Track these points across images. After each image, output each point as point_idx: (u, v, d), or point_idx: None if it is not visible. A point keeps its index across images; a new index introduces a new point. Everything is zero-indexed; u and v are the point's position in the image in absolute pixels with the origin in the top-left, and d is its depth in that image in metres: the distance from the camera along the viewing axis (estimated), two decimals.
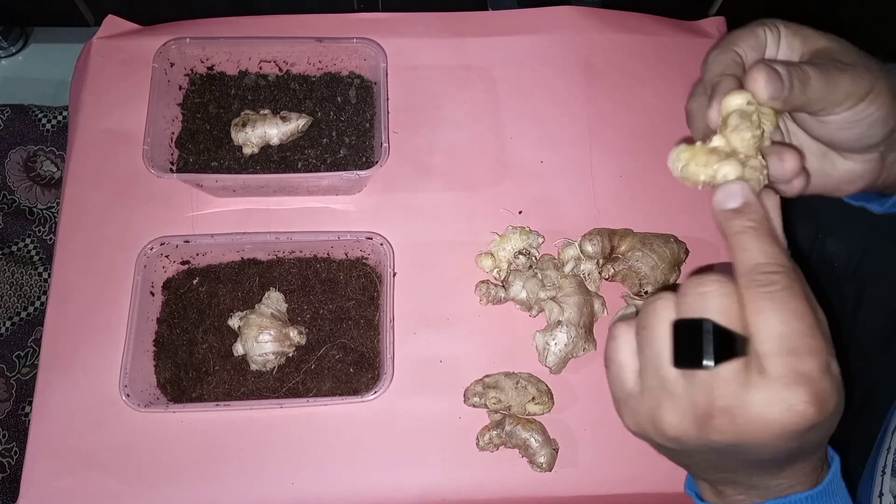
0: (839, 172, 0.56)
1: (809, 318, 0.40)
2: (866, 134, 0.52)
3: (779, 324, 0.40)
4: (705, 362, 0.40)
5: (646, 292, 0.78)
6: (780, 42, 0.53)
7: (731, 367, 0.40)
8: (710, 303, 0.41)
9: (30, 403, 1.18)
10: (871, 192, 0.60)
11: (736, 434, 0.40)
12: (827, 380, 0.40)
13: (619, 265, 0.78)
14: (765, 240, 0.43)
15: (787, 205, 0.77)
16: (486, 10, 0.96)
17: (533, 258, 0.78)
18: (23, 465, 0.71)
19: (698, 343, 0.40)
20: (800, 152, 0.51)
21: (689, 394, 0.41)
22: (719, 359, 0.40)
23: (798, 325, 0.40)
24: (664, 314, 0.43)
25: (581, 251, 0.78)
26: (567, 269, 0.78)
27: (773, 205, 0.47)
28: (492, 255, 0.79)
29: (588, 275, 0.78)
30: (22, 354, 1.25)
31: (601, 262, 0.78)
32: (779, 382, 0.39)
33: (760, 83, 0.47)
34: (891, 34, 1.40)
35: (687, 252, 0.80)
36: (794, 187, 0.51)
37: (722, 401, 0.40)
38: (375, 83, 0.84)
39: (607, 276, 0.78)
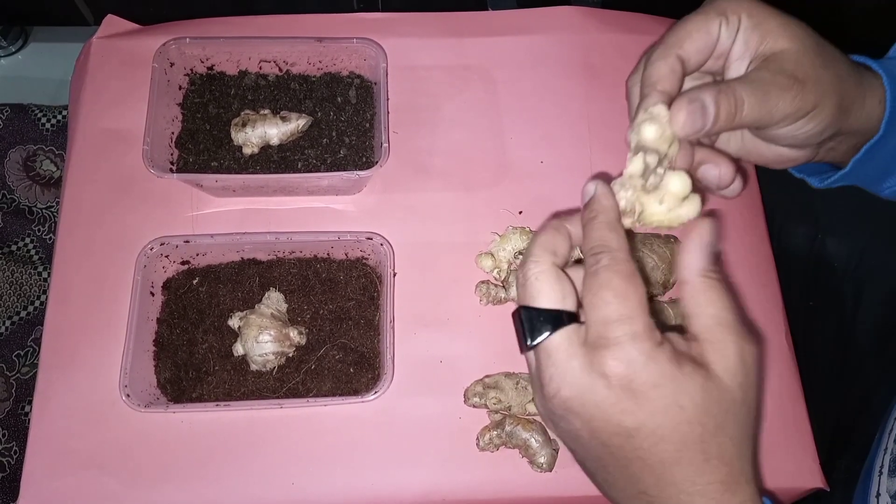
0: (770, 153, 0.57)
1: (622, 290, 0.43)
2: (802, 141, 0.54)
3: (595, 297, 0.43)
4: (528, 343, 0.45)
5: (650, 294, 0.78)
6: (736, 38, 0.52)
7: (557, 342, 0.44)
8: (530, 288, 0.46)
9: (30, 402, 1.18)
10: (811, 167, 0.61)
11: (565, 406, 0.43)
12: (635, 345, 0.42)
13: None
14: (601, 227, 0.47)
15: (788, 205, 0.77)
16: (486, 10, 0.96)
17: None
18: (23, 465, 0.71)
19: (523, 329, 0.45)
20: (733, 160, 0.52)
21: (537, 371, 0.46)
22: (535, 337, 0.44)
23: (610, 297, 0.43)
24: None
25: (581, 253, 0.78)
26: None
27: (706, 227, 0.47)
28: (492, 255, 0.79)
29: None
30: (22, 354, 1.25)
31: None
32: (590, 349, 0.43)
33: (679, 120, 0.48)
34: (890, 30, 1.40)
35: None
36: (733, 191, 0.53)
37: (550, 369, 0.44)
38: (375, 83, 0.84)
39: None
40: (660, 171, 0.49)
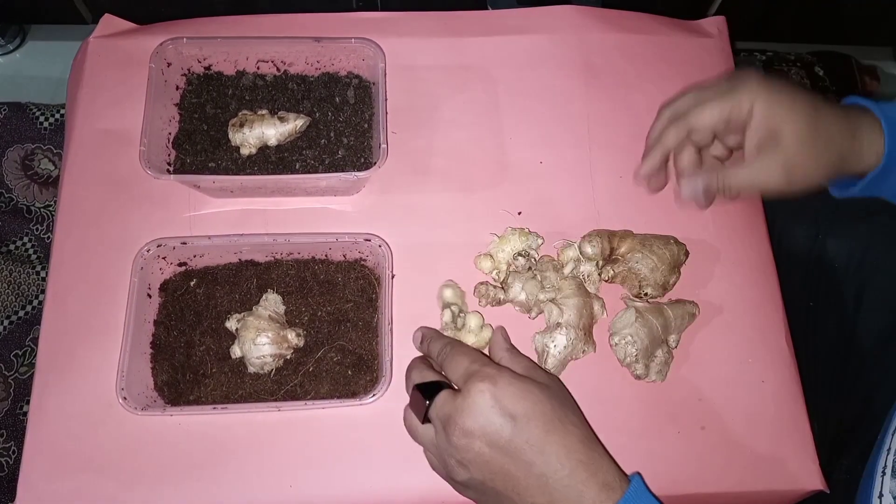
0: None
1: (463, 354, 0.66)
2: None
3: (450, 365, 0.65)
4: (426, 403, 0.63)
5: (646, 294, 0.77)
6: (749, 123, 0.68)
7: (440, 398, 0.63)
8: (414, 375, 0.68)
9: (28, 402, 1.18)
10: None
11: (461, 425, 0.60)
12: (485, 369, 0.62)
13: (619, 267, 0.77)
14: (435, 341, 0.70)
15: (788, 205, 0.77)
16: (486, 9, 0.96)
17: (532, 260, 0.78)
18: (20, 467, 0.71)
19: (419, 399, 0.64)
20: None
21: (436, 426, 0.64)
22: (433, 395, 0.63)
23: (458, 360, 0.65)
24: (411, 421, 0.68)
25: (580, 253, 0.78)
26: (567, 270, 0.77)
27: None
28: (491, 256, 0.78)
29: (587, 276, 0.78)
30: (20, 353, 1.24)
31: (601, 263, 0.78)
32: (465, 386, 0.61)
33: (684, 194, 0.75)
34: (889, 28, 1.40)
35: (687, 254, 0.79)
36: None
37: (445, 413, 0.61)
38: (374, 83, 0.83)
39: (607, 278, 0.78)
40: (461, 315, 0.75)
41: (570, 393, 0.67)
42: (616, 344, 0.73)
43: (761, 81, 0.67)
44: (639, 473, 0.62)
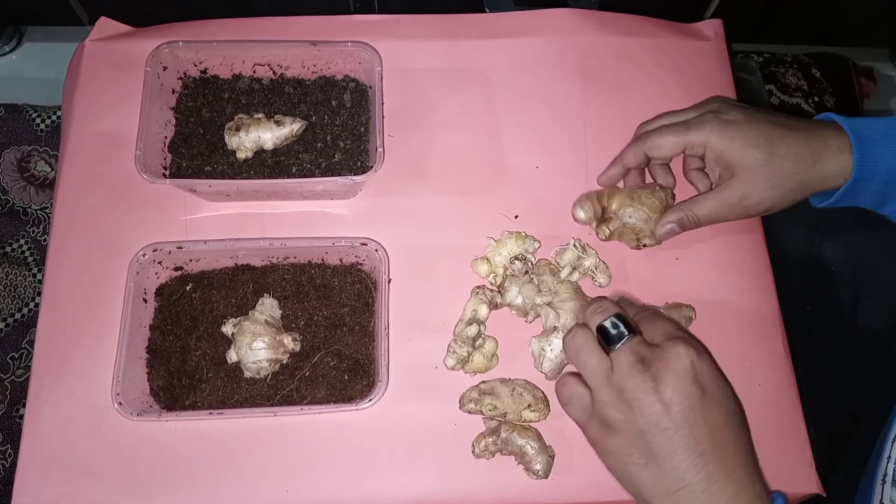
0: None
1: (669, 322, 0.64)
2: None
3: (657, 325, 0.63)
4: (627, 333, 0.61)
5: (644, 245, 0.79)
6: (706, 158, 0.76)
7: (638, 338, 0.61)
8: (608, 305, 0.64)
9: (24, 406, 1.18)
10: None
11: (659, 375, 0.58)
12: (688, 336, 0.61)
13: (614, 224, 0.79)
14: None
15: (784, 210, 0.78)
16: (483, 12, 0.95)
17: (529, 263, 0.78)
18: (15, 471, 0.71)
19: (616, 329, 0.61)
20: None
21: (625, 363, 0.59)
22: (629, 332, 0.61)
23: (667, 324, 0.63)
24: (583, 341, 0.63)
25: (575, 219, 0.80)
26: (563, 274, 0.77)
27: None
28: (488, 260, 0.78)
29: (595, 268, 0.78)
30: (16, 356, 1.24)
31: (596, 225, 0.80)
32: (666, 342, 0.60)
33: (659, 231, 0.78)
34: (890, 25, 1.40)
35: (674, 196, 0.81)
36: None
37: (642, 353, 0.59)
38: (370, 87, 0.83)
39: (604, 237, 0.79)
40: (482, 337, 0.75)
41: None
42: None
43: (718, 118, 0.73)
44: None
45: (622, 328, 0.61)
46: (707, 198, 0.74)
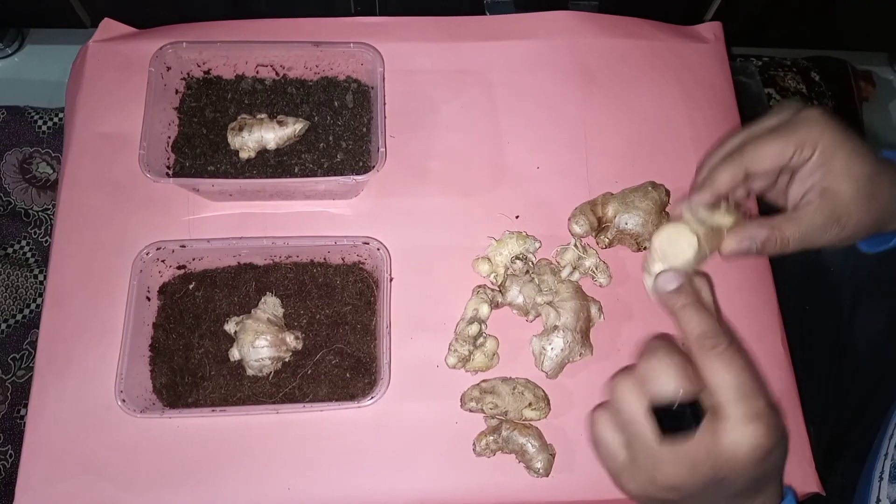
0: None
1: (751, 367, 0.50)
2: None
3: (730, 377, 0.49)
4: (689, 430, 0.50)
5: (645, 248, 0.80)
6: (804, 167, 0.60)
7: (703, 425, 0.49)
8: (672, 374, 0.50)
9: (25, 406, 1.18)
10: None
11: (720, 471, 0.50)
12: (773, 413, 0.49)
13: (611, 232, 0.80)
14: (702, 312, 0.53)
15: (783, 212, 0.78)
16: (484, 14, 0.96)
17: (530, 263, 0.78)
18: (18, 469, 0.71)
19: (677, 418, 0.50)
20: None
21: (678, 454, 0.50)
22: (695, 423, 0.50)
23: (744, 376, 0.49)
24: (633, 396, 0.51)
25: (571, 234, 0.80)
26: (564, 273, 0.78)
27: (704, 283, 0.57)
28: (489, 259, 0.79)
29: (596, 268, 0.78)
30: (17, 357, 1.24)
31: (594, 235, 0.81)
32: (740, 424, 0.48)
33: (730, 246, 0.60)
34: (889, 30, 1.40)
35: (668, 192, 0.81)
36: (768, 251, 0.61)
37: (704, 451, 0.49)
38: (372, 87, 0.84)
39: (604, 247, 0.80)
40: (483, 336, 0.75)
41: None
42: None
43: (827, 121, 0.60)
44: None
45: (689, 418, 0.50)
46: (802, 215, 0.60)
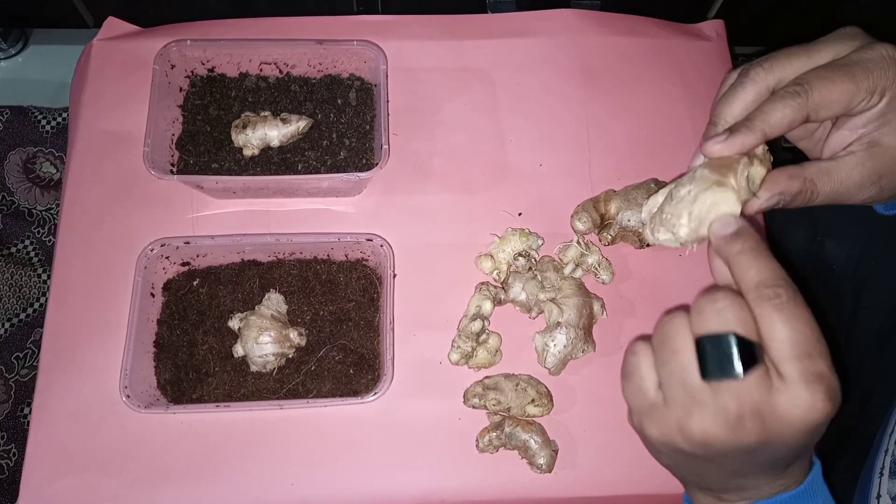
0: None
1: (814, 324, 0.44)
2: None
3: (790, 332, 0.43)
4: (736, 372, 0.43)
5: (647, 245, 0.80)
6: (860, 117, 0.53)
7: (755, 374, 0.43)
8: (729, 317, 0.44)
9: (28, 405, 1.18)
10: None
11: (765, 434, 0.44)
12: (836, 376, 0.44)
13: (613, 230, 0.80)
14: (763, 258, 0.46)
15: (786, 208, 0.78)
16: (486, 12, 0.96)
17: (533, 260, 0.78)
18: (22, 467, 0.71)
19: (725, 355, 0.44)
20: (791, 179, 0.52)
21: (719, 401, 0.44)
22: (745, 368, 0.43)
23: (807, 331, 0.43)
24: (683, 330, 0.46)
25: (574, 231, 0.80)
26: (567, 270, 0.78)
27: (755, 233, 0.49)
28: (491, 256, 0.79)
29: (598, 265, 0.79)
30: (21, 356, 1.24)
31: (597, 232, 0.81)
32: (799, 384, 0.43)
33: (759, 203, 0.51)
34: (887, 32, 1.40)
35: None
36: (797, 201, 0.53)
37: (751, 405, 0.43)
38: (375, 85, 0.84)
39: (606, 244, 0.81)
40: (486, 333, 0.75)
41: None
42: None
43: (892, 52, 0.51)
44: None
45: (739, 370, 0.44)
46: (842, 169, 0.52)
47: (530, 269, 0.78)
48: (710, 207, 0.49)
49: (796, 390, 0.43)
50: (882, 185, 0.53)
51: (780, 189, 0.51)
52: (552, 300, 0.75)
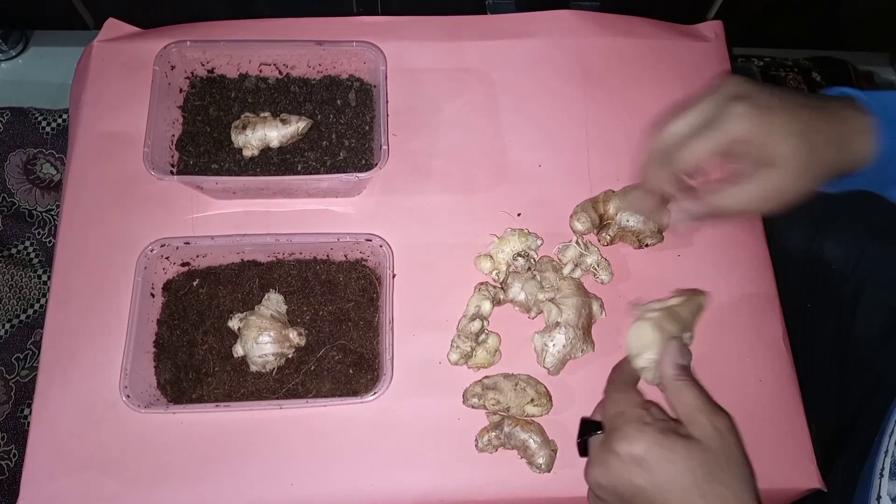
0: None
1: (618, 398, 0.64)
2: None
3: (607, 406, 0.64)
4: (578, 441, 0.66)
5: (647, 244, 0.81)
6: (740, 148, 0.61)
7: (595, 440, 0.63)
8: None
9: (28, 406, 1.18)
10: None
11: (598, 484, 0.60)
12: (629, 426, 0.60)
13: (612, 230, 0.80)
14: (614, 379, 0.68)
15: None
16: (485, 13, 0.96)
17: (532, 260, 0.79)
18: (22, 467, 0.71)
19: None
20: None
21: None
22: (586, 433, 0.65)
23: (611, 404, 0.64)
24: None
25: (573, 231, 0.80)
26: (566, 270, 0.78)
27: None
28: (491, 256, 0.79)
29: (598, 265, 0.79)
30: (21, 357, 1.24)
31: (596, 232, 0.81)
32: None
33: (674, 217, 0.66)
34: (890, 30, 1.41)
35: None
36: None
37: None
38: (375, 86, 0.84)
39: (606, 244, 0.81)
40: (485, 333, 0.76)
41: (738, 443, 0.60)
42: (644, 368, 0.67)
43: (752, 105, 0.61)
44: None
45: (581, 431, 0.66)
46: (739, 190, 0.62)
47: (529, 269, 0.78)
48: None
49: (606, 445, 0.60)
50: (777, 199, 0.61)
51: (683, 209, 0.64)
52: (551, 300, 0.75)
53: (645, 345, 0.67)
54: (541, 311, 0.77)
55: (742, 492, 0.57)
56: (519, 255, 0.78)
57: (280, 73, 0.85)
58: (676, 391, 0.62)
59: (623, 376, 0.67)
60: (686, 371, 0.64)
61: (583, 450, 0.65)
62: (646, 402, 0.63)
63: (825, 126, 0.61)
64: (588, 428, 0.65)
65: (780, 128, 0.60)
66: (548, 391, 0.75)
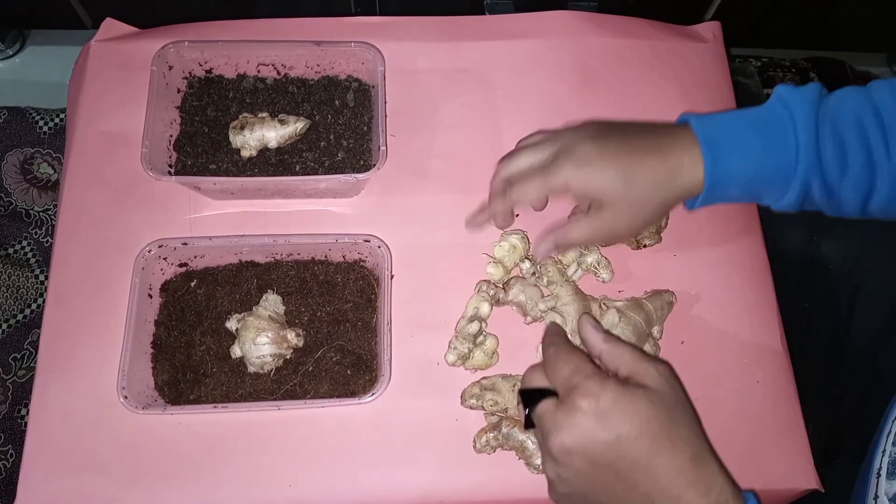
0: None
1: (567, 358, 0.61)
2: None
3: (553, 370, 0.61)
4: (526, 410, 0.61)
5: (644, 245, 0.81)
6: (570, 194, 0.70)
7: (543, 407, 0.60)
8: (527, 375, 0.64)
9: (26, 406, 1.18)
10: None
11: (564, 449, 0.57)
12: (589, 381, 0.58)
13: None
14: (549, 335, 0.66)
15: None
16: (483, 14, 0.96)
17: (538, 266, 0.78)
18: (19, 468, 0.71)
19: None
20: None
21: (539, 441, 0.62)
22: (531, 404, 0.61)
23: (561, 364, 0.61)
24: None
25: None
26: (570, 272, 0.78)
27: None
28: (501, 264, 0.79)
29: (598, 264, 0.79)
30: (18, 357, 1.24)
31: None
32: (562, 400, 0.59)
33: (539, 252, 0.74)
34: (888, 31, 1.41)
35: None
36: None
37: (545, 427, 0.59)
38: (373, 87, 0.84)
39: (604, 244, 0.80)
40: (483, 335, 0.76)
41: (681, 387, 0.62)
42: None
43: (572, 158, 0.69)
44: (754, 493, 0.60)
45: (525, 403, 0.62)
46: (581, 226, 0.71)
47: (534, 273, 0.78)
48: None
49: (567, 407, 0.58)
50: (616, 232, 0.71)
51: (546, 240, 0.72)
52: (552, 309, 0.75)
53: (609, 329, 0.73)
54: (536, 319, 0.77)
55: (699, 434, 0.59)
56: (526, 257, 0.79)
57: (278, 73, 0.85)
58: (613, 349, 0.62)
59: (559, 339, 0.66)
60: (606, 334, 0.65)
61: (529, 422, 0.61)
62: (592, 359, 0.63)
63: (652, 166, 0.68)
64: (532, 398, 0.61)
65: (598, 176, 0.68)
66: None
